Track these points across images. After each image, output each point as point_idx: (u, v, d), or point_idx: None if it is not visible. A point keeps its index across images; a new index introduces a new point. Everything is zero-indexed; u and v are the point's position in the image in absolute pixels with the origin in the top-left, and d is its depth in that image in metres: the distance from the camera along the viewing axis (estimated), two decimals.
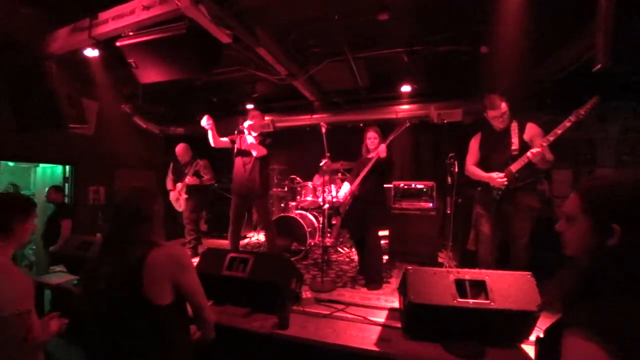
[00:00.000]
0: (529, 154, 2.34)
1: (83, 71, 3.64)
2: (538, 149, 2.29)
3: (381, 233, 3.15)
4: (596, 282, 0.78)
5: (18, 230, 1.38)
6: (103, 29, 2.81)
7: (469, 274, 1.88)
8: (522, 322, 1.77)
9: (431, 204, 3.83)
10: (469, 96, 4.47)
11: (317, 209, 4.42)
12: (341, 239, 4.42)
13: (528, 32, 2.59)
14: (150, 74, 2.89)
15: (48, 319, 1.42)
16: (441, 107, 4.68)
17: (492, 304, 1.74)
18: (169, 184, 4.24)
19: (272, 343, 2.00)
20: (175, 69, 2.78)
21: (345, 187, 3.27)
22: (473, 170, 2.69)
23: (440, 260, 3.73)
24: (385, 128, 3.23)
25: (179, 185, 4.09)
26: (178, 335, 1.27)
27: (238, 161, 3.35)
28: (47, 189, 4.18)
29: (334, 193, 3.32)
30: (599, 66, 1.88)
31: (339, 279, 3.21)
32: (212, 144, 3.37)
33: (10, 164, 5.45)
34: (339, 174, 4.41)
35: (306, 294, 2.46)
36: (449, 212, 3.22)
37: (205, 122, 3.20)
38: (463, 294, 1.79)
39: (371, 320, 2.17)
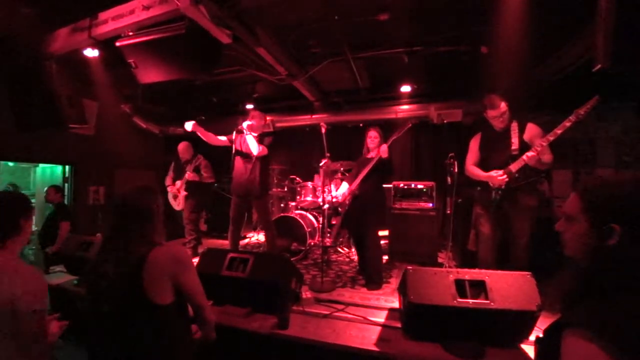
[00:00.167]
0: (524, 157, 2.34)
1: (83, 71, 3.65)
2: (533, 153, 2.31)
3: (381, 233, 3.15)
4: (596, 282, 0.78)
5: (25, 228, 1.38)
6: (103, 29, 2.81)
7: (468, 274, 1.88)
8: (522, 322, 1.77)
9: (431, 204, 3.83)
10: (469, 96, 4.47)
11: (317, 209, 4.42)
12: (341, 239, 4.43)
13: (528, 32, 2.60)
14: (150, 74, 2.89)
15: (48, 321, 1.42)
16: (441, 107, 4.69)
17: (492, 304, 1.74)
18: (168, 181, 4.25)
19: (272, 343, 2.00)
20: (175, 69, 2.78)
21: (344, 187, 3.27)
22: (473, 170, 2.68)
23: (440, 260, 3.73)
24: (385, 128, 3.23)
25: (178, 182, 4.10)
26: (179, 335, 1.27)
27: (238, 161, 3.35)
28: (45, 189, 4.15)
29: (333, 193, 3.32)
30: (599, 66, 1.88)
31: (338, 279, 3.21)
32: (211, 143, 3.36)
33: (10, 164, 5.46)
34: (339, 174, 4.42)
35: (306, 294, 2.46)
36: (448, 212, 3.23)
37: (189, 128, 3.16)
38: (463, 294, 1.79)
39: (371, 320, 2.17)
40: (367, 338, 1.95)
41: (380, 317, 2.22)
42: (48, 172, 5.46)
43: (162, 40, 2.65)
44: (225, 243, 3.83)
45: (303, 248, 3.94)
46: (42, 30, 3.15)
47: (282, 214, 4.26)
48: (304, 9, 3.02)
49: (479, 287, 1.81)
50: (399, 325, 2.06)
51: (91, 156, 5.20)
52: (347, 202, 3.16)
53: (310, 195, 4.34)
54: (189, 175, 3.98)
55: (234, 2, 2.61)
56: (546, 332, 0.85)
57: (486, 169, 2.59)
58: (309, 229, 3.97)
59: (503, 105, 2.51)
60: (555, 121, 2.26)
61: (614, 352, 0.61)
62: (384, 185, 3.19)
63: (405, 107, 5.00)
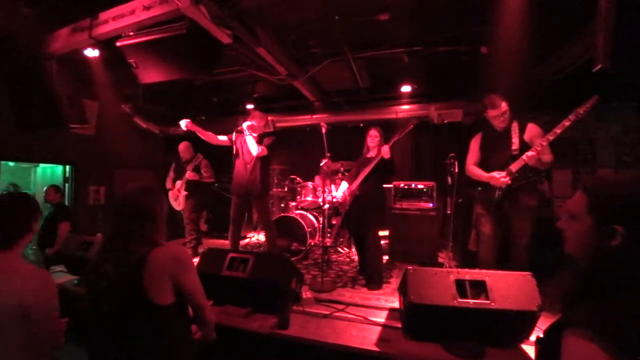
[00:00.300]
0: (524, 156, 2.35)
1: (83, 71, 3.65)
2: (533, 153, 2.31)
3: (381, 233, 3.14)
4: (596, 282, 0.78)
5: (34, 230, 1.38)
6: (103, 29, 2.81)
7: (469, 274, 1.88)
8: (522, 322, 1.77)
9: (431, 204, 3.83)
10: (469, 96, 4.47)
11: (317, 209, 4.42)
12: (341, 239, 4.43)
13: (528, 32, 2.60)
14: (151, 74, 2.89)
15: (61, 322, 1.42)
16: (441, 107, 4.69)
17: (492, 304, 1.74)
18: (169, 183, 4.25)
19: (272, 343, 2.00)
20: (175, 69, 2.79)
21: (343, 186, 3.27)
22: (473, 170, 2.68)
23: (440, 260, 3.73)
24: (386, 128, 3.23)
25: (179, 183, 4.10)
26: (179, 335, 1.27)
27: (238, 161, 3.35)
28: (45, 189, 4.11)
29: (334, 193, 3.32)
30: (599, 66, 1.88)
31: (339, 279, 3.21)
32: (210, 142, 3.36)
33: (10, 164, 5.45)
34: (339, 174, 4.41)
35: (306, 294, 2.46)
36: (449, 212, 3.22)
37: (184, 126, 3.15)
38: (463, 294, 1.79)
39: (371, 321, 2.17)
40: (367, 338, 1.95)
41: (381, 317, 2.22)
42: (48, 172, 5.47)
43: (162, 40, 2.66)
44: (225, 243, 3.84)
45: (303, 248, 3.94)
46: (43, 30, 3.16)
47: (282, 214, 4.26)
48: (304, 9, 3.02)
49: (479, 287, 1.81)
50: (399, 325, 2.05)
51: (91, 156, 5.20)
52: (347, 202, 3.16)
53: (311, 195, 4.34)
54: (189, 174, 3.99)
55: (234, 2, 2.61)
56: (546, 332, 0.85)
57: (487, 169, 2.59)
58: (309, 229, 3.97)
59: (504, 105, 2.51)
60: (555, 121, 2.26)
61: (614, 352, 0.61)
62: (384, 185, 3.19)
63: (406, 107, 5.00)
